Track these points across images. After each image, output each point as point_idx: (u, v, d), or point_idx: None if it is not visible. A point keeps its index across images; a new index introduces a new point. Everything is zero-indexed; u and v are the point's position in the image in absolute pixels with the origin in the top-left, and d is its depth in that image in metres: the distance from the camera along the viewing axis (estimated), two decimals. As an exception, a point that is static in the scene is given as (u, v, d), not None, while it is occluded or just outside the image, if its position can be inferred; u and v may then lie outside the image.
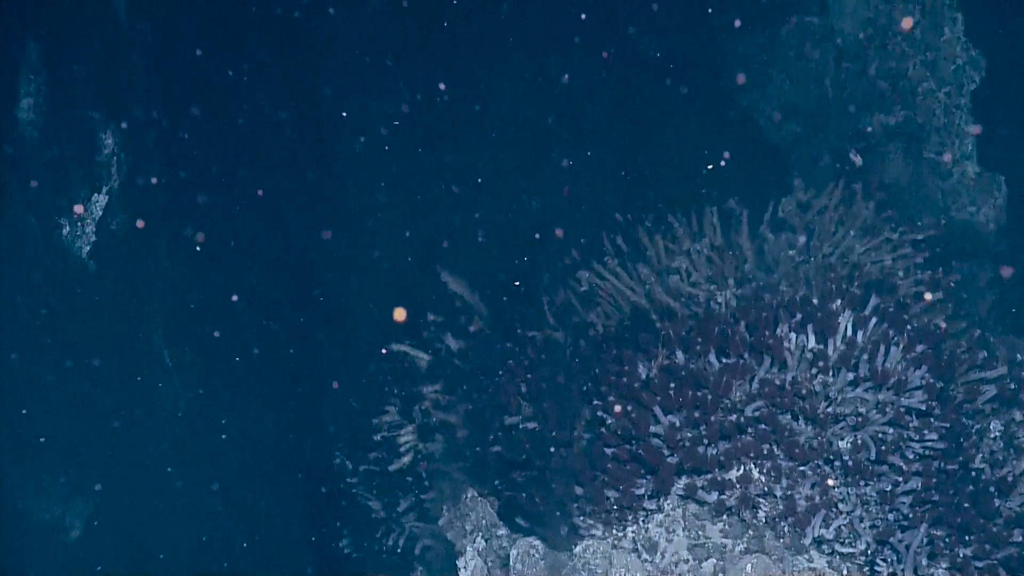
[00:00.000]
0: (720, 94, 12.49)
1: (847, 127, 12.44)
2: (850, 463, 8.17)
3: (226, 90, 11.71)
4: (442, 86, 12.01)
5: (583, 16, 12.10)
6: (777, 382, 8.34)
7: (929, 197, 12.35)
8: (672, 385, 8.40)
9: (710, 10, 12.59)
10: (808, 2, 12.60)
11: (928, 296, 9.60)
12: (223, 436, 11.65)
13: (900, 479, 8.24)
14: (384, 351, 10.95)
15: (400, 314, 10.51)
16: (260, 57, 11.77)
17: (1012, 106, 12.66)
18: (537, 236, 11.29)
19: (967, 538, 8.20)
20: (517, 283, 10.59)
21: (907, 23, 12.21)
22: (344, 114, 12.01)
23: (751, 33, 12.67)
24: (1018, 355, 9.65)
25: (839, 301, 8.70)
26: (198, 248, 11.40)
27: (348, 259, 12.06)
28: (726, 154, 11.62)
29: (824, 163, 12.37)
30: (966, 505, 8.24)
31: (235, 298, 11.59)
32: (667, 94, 12.27)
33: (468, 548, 8.95)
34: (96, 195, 10.80)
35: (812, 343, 8.52)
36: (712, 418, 8.30)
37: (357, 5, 11.99)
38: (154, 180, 11.13)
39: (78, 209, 10.65)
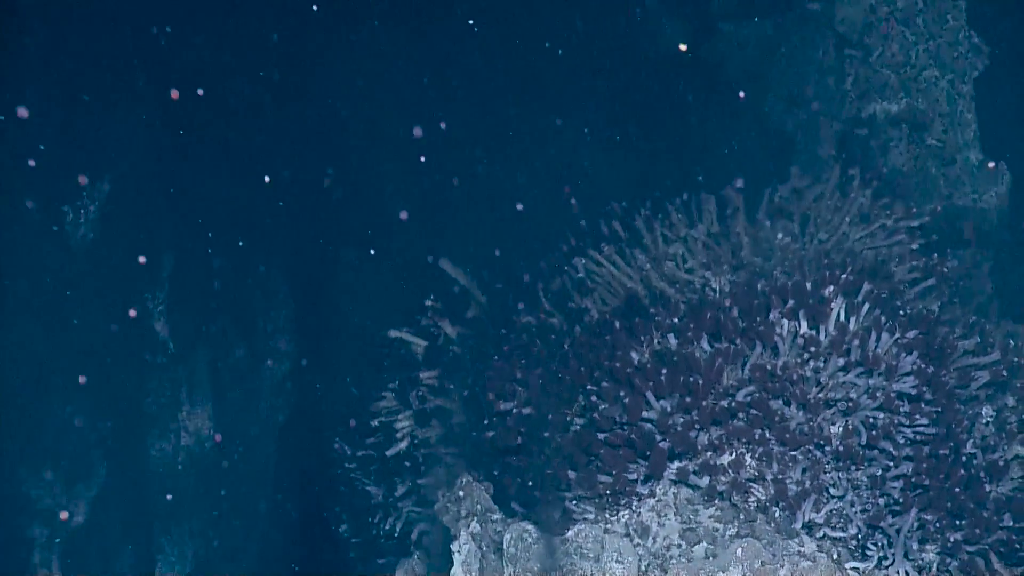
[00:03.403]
0: (722, 82, 12.49)
1: (849, 114, 12.44)
2: (841, 448, 8.20)
3: (230, 78, 11.77)
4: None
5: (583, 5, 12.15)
6: (768, 367, 8.37)
7: (932, 185, 12.35)
8: (664, 370, 8.43)
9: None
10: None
11: None
12: (222, 421, 11.73)
13: (891, 464, 8.28)
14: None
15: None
16: (262, 47, 11.83)
17: (1015, 93, 12.66)
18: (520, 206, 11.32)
19: (958, 523, 8.23)
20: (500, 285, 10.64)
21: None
22: (349, 103, 12.07)
23: (753, 21, 12.68)
24: (1012, 341, 9.65)
25: (832, 287, 8.72)
26: (199, 221, 11.50)
27: (347, 246, 12.11)
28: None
29: (825, 151, 12.39)
30: (957, 490, 8.27)
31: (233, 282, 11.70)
32: (668, 83, 12.30)
33: (462, 532, 8.99)
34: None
35: (804, 329, 8.54)
36: (704, 403, 8.33)
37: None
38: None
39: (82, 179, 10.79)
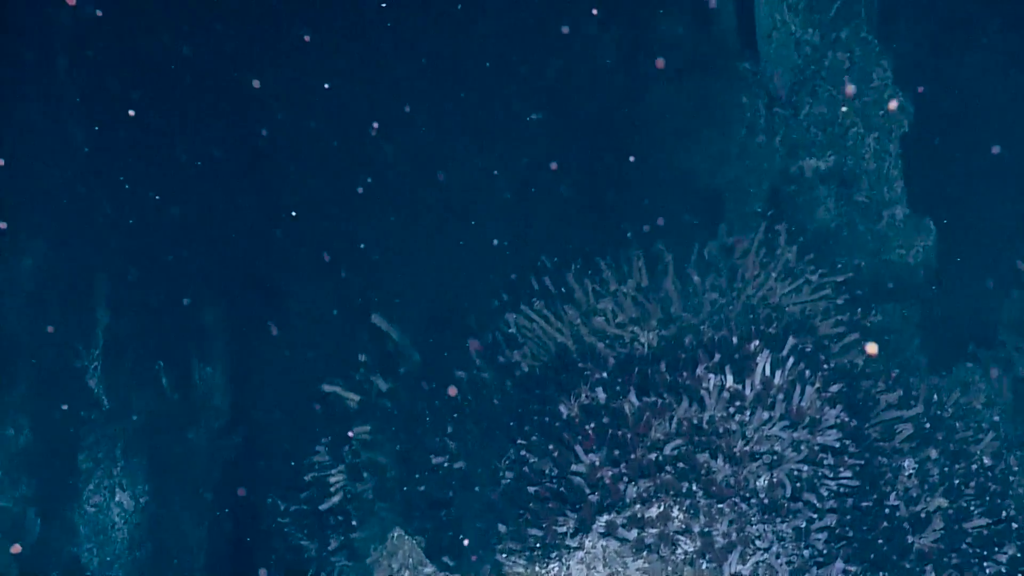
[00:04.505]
0: (651, 140, 12.63)
1: (777, 172, 12.63)
2: (766, 500, 8.31)
3: (161, 129, 11.81)
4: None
5: (509, 61, 12.26)
6: (695, 421, 8.48)
7: (859, 240, 12.54)
8: (592, 424, 8.52)
9: (641, 57, 12.74)
10: (740, 49, 12.79)
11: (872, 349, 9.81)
12: (159, 476, 11.72)
13: (815, 516, 8.40)
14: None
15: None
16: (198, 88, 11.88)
17: (940, 150, 12.88)
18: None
19: (881, 574, 8.35)
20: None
21: (849, 90, 12.39)
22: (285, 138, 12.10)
23: (683, 79, 12.84)
24: (935, 395, 9.82)
25: (757, 342, 8.86)
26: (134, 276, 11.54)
27: (282, 298, 12.14)
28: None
29: (754, 208, 12.55)
30: (880, 541, 8.40)
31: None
32: (598, 141, 12.41)
33: (394, 586, 9.04)
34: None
35: (730, 383, 8.66)
36: (632, 456, 8.43)
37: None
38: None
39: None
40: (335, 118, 12.08)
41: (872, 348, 9.50)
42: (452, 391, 10.03)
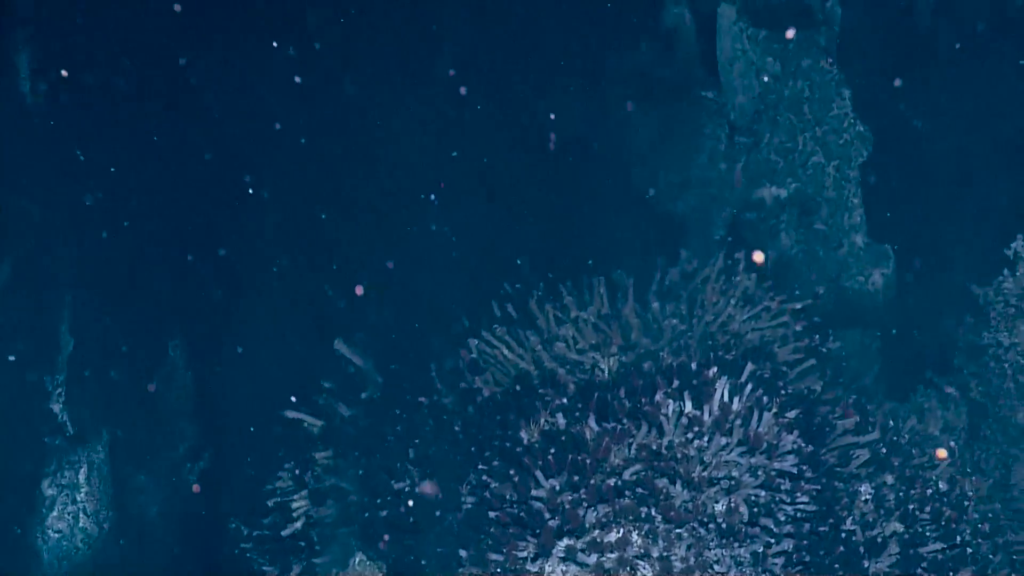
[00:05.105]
0: (614, 167, 12.71)
1: (739, 199, 12.73)
2: (724, 525, 8.39)
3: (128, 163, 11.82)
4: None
5: (473, 83, 12.31)
6: (654, 446, 8.56)
7: (819, 267, 12.65)
8: (552, 449, 8.59)
9: (604, 84, 12.83)
10: (702, 78, 12.89)
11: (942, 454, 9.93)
12: (122, 502, 11.72)
13: (772, 541, 8.48)
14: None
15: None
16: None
17: (899, 178, 13.02)
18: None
19: (837, 598, 8.45)
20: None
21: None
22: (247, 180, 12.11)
23: (646, 107, 12.93)
24: (892, 421, 9.93)
25: (716, 368, 8.94)
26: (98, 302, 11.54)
27: (243, 323, 12.16)
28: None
29: (715, 235, 12.66)
30: (836, 566, 8.48)
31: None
32: (560, 166, 12.47)
33: (356, 611, 9.07)
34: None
35: (688, 408, 8.74)
36: (591, 481, 8.49)
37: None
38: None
39: None
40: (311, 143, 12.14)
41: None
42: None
